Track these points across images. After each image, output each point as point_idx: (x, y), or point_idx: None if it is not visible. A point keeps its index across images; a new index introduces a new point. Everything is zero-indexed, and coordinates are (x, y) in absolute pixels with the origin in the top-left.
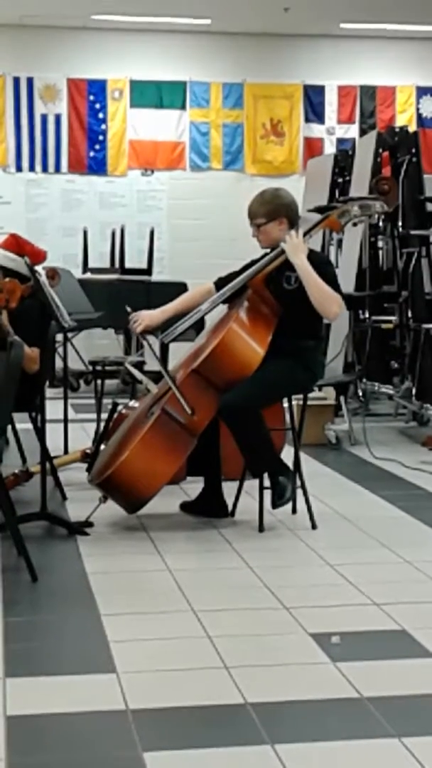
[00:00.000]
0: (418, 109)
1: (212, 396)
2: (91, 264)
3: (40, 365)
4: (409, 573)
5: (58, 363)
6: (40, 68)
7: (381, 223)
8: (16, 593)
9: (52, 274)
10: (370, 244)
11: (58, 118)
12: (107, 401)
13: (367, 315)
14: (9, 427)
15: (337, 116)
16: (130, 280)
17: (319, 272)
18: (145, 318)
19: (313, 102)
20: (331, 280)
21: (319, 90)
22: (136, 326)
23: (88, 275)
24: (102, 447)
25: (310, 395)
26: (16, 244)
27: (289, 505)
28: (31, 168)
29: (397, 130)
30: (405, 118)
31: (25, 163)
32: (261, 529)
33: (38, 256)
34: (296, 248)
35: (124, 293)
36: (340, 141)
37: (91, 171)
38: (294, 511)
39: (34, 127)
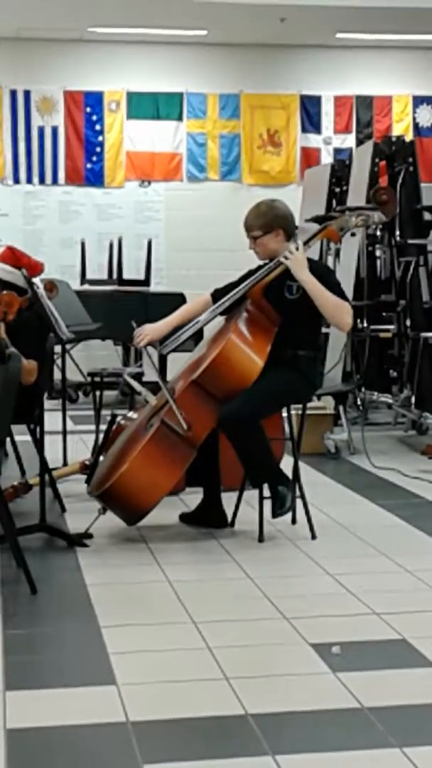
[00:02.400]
0: (414, 119)
1: (211, 407)
2: (89, 275)
3: (39, 377)
4: (409, 582)
5: (57, 375)
6: (37, 81)
7: (379, 233)
8: (16, 605)
9: (50, 286)
10: (367, 254)
11: (55, 130)
12: (106, 413)
13: (365, 324)
14: (8, 439)
15: (334, 126)
16: (128, 291)
17: (323, 282)
18: (149, 332)
19: (310, 112)
20: (336, 289)
21: (316, 100)
22: (140, 340)
23: (86, 287)
24: (101, 458)
25: (309, 405)
26: (14, 257)
27: (289, 515)
28: (29, 180)
29: (393, 139)
30: (401, 127)
31: (23, 175)
32: (261, 539)
33: (35, 269)
34: (301, 265)
35: (122, 304)
36: (337, 151)
37: (89, 182)
38: (294, 521)
39: (31, 139)
